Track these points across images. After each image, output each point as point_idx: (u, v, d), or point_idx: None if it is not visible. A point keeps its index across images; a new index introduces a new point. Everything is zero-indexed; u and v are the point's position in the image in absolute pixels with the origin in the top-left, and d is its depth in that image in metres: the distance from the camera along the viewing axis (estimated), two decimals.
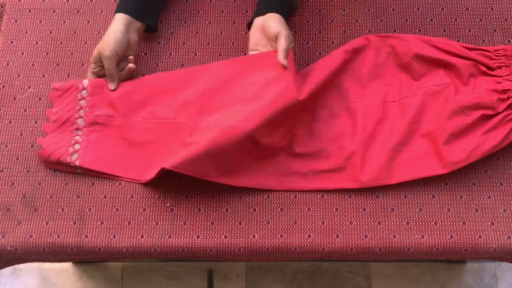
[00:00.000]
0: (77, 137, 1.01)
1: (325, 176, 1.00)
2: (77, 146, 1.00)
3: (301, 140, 1.01)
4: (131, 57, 1.04)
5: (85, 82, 1.03)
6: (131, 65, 1.03)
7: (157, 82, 1.05)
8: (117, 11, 1.04)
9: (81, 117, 1.02)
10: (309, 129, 1.02)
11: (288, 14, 1.05)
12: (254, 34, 1.04)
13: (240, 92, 1.01)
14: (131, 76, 1.05)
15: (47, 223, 0.99)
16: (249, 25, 1.07)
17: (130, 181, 1.00)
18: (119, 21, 1.02)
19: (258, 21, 1.03)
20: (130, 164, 1.00)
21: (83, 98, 1.02)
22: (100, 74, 1.04)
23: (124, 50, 1.02)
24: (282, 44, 0.99)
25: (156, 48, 1.11)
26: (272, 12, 1.02)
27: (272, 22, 1.01)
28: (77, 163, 0.99)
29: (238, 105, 0.98)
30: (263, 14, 1.03)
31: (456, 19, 1.11)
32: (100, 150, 1.01)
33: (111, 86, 1.02)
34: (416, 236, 0.97)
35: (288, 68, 0.99)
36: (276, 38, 1.00)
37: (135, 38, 1.05)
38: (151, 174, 0.97)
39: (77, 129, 1.01)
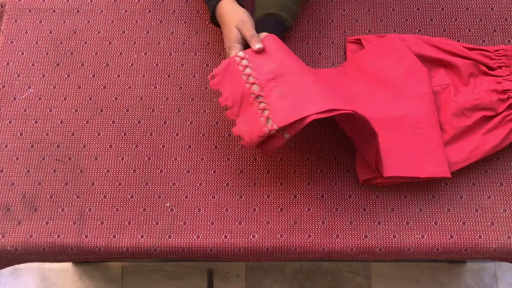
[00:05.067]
0: (262, 104, 0.93)
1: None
2: (265, 112, 0.91)
3: None
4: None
5: (240, 53, 0.97)
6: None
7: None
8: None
9: (253, 83, 0.94)
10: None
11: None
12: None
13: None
14: None
15: (47, 223, 0.99)
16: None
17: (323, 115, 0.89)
18: (231, 4, 1.01)
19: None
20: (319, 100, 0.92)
21: (246, 66, 0.96)
22: None
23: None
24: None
25: (156, 48, 1.11)
26: None
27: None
28: (275, 126, 0.89)
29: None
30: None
31: (456, 19, 1.11)
32: (287, 102, 0.91)
33: (258, 45, 0.96)
34: (416, 236, 0.97)
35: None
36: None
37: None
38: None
39: (257, 96, 0.94)
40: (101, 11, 1.14)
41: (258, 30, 1.00)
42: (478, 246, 0.97)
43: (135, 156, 1.03)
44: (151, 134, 1.05)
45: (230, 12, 1.00)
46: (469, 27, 1.11)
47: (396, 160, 0.97)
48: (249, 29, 0.97)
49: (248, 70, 0.95)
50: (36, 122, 1.06)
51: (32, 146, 1.04)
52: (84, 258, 1.00)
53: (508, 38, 1.10)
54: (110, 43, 1.11)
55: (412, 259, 1.00)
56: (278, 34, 1.01)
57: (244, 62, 0.96)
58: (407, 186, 1.00)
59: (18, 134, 1.05)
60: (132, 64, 1.10)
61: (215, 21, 1.05)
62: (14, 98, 1.07)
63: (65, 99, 1.07)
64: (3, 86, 1.08)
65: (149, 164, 1.03)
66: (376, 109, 1.01)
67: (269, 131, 0.90)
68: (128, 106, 1.07)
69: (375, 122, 0.99)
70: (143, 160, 1.03)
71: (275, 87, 0.93)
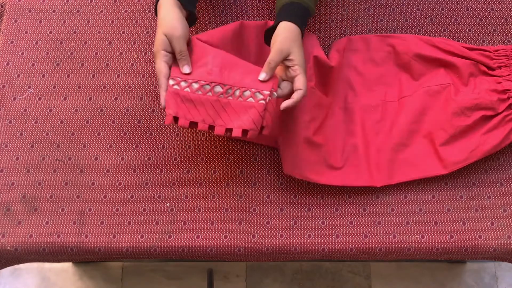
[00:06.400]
0: (237, 92, 0.91)
1: (328, 172, 0.99)
2: (247, 93, 0.90)
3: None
4: None
5: (171, 81, 0.91)
6: None
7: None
8: None
9: (212, 87, 0.90)
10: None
11: (306, 23, 0.96)
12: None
13: None
14: None
15: (47, 223, 0.99)
16: (270, 32, 0.96)
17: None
18: (169, 4, 0.91)
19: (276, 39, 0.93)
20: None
21: (191, 83, 0.91)
22: (170, 63, 0.92)
23: (189, 33, 0.92)
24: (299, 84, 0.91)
25: None
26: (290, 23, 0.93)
27: (295, 51, 0.91)
28: (265, 92, 0.90)
29: None
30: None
31: (456, 19, 1.11)
32: (254, 72, 0.92)
33: (186, 69, 0.91)
34: (416, 236, 0.97)
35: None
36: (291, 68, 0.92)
37: (187, 26, 0.93)
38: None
39: (226, 91, 0.91)
40: (101, 11, 1.14)
41: (282, 16, 0.94)
42: (478, 246, 0.97)
43: (135, 156, 1.03)
44: (151, 134, 1.05)
45: (165, 13, 0.91)
46: (469, 27, 1.11)
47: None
48: (179, 44, 0.90)
49: (195, 85, 0.90)
50: (36, 122, 1.06)
51: (32, 146, 1.04)
52: (84, 258, 1.00)
53: (508, 38, 1.10)
54: (110, 43, 1.11)
55: (412, 259, 1.00)
56: (302, 21, 0.95)
57: (183, 84, 0.91)
58: (407, 186, 1.00)
59: (18, 134, 1.05)
60: (132, 64, 1.10)
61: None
62: (14, 98, 1.07)
63: (65, 99, 1.07)
64: (3, 86, 1.08)
65: (149, 164, 1.03)
66: None
67: (265, 101, 0.89)
68: (128, 106, 1.07)
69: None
70: (143, 160, 1.03)
71: (231, 72, 0.92)
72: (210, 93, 0.90)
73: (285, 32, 0.92)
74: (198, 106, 0.90)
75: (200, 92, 0.90)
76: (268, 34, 0.96)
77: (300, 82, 0.90)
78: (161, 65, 0.90)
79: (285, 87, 0.93)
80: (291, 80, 0.92)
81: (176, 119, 0.90)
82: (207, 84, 0.91)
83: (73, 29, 1.12)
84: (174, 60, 0.92)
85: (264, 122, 0.90)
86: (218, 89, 0.91)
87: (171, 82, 0.91)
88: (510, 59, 1.03)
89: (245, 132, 0.90)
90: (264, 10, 1.13)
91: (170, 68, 0.92)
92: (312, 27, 1.11)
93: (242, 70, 0.92)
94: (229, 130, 0.90)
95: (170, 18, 0.90)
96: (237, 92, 0.91)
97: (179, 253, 0.98)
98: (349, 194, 1.00)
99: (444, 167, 0.99)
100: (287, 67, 0.92)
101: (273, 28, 0.95)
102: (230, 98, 0.91)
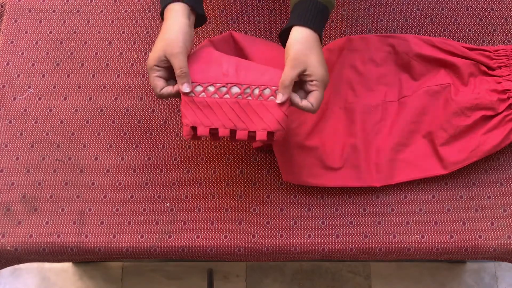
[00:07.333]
0: (256, 91, 0.85)
1: (326, 174, 1.00)
2: (267, 91, 0.85)
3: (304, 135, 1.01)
4: None
5: (186, 88, 0.85)
6: None
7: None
8: (172, 1, 0.86)
9: (229, 88, 0.85)
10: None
11: (324, 26, 0.88)
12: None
13: None
14: None
15: (47, 223, 0.99)
16: (282, 36, 0.89)
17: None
18: (179, 11, 0.85)
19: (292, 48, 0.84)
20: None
21: (206, 87, 0.86)
22: (165, 76, 0.86)
23: (192, 45, 0.86)
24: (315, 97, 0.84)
25: None
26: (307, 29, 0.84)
27: (312, 64, 0.83)
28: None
29: None
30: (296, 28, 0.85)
31: (456, 19, 1.11)
32: (270, 69, 0.87)
33: (186, 88, 0.84)
34: (416, 236, 0.97)
35: None
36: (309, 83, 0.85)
37: (193, 35, 0.87)
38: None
39: (244, 91, 0.85)
40: (101, 11, 1.14)
41: (295, 17, 0.85)
42: (478, 246, 0.97)
43: (135, 156, 1.03)
44: (151, 134, 1.05)
45: (170, 22, 0.85)
46: (469, 27, 1.11)
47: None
48: (178, 60, 0.83)
49: (211, 88, 0.86)
50: (36, 122, 1.06)
51: (32, 146, 1.04)
52: (84, 258, 1.00)
53: (508, 38, 1.10)
54: (110, 43, 1.11)
55: (412, 259, 1.00)
56: (320, 21, 0.86)
57: (198, 88, 0.86)
58: (407, 186, 1.00)
59: (18, 134, 1.05)
60: (132, 64, 1.10)
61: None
62: (14, 98, 1.07)
63: (65, 99, 1.07)
64: (3, 86, 1.08)
65: (149, 164, 1.03)
66: None
67: (288, 101, 0.84)
68: (128, 106, 1.07)
69: None
70: (143, 160, 1.03)
71: (247, 71, 0.86)
72: (227, 95, 0.85)
73: (299, 44, 0.84)
74: (216, 110, 0.85)
75: (216, 96, 0.85)
76: (284, 35, 0.88)
77: (313, 97, 0.84)
78: (155, 80, 0.85)
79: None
80: (308, 93, 0.85)
81: (194, 128, 0.86)
82: (223, 86, 0.85)
83: (73, 29, 1.12)
84: (168, 73, 0.87)
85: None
86: (235, 89, 0.85)
87: (186, 89, 0.85)
88: (510, 59, 1.03)
89: (270, 134, 0.84)
90: (264, 10, 1.13)
91: (164, 79, 0.86)
92: None
93: (258, 70, 0.87)
94: (252, 133, 0.85)
95: (174, 30, 0.84)
96: (256, 91, 0.85)
97: (179, 253, 0.98)
98: (349, 194, 1.00)
99: (444, 167, 0.99)
100: (304, 82, 0.85)
101: (288, 29, 0.86)
102: (249, 98, 0.85)
